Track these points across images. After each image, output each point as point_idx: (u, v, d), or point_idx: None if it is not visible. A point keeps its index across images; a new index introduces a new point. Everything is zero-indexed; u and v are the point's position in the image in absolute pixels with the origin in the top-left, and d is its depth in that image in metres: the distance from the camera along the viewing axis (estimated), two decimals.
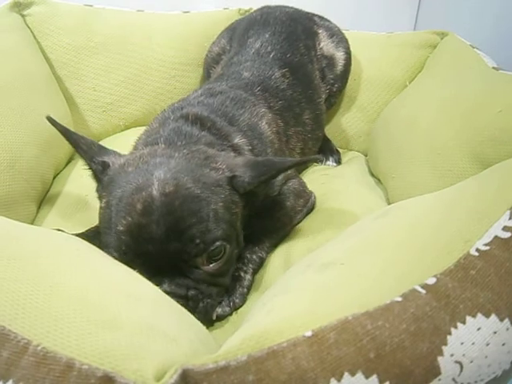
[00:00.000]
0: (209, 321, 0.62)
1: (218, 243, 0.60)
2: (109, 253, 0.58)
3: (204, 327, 0.51)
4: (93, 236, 0.69)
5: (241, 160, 0.67)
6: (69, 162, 0.97)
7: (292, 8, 1.07)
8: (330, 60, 1.04)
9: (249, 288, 0.67)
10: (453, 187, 0.58)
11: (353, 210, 0.81)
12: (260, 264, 0.71)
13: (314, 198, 0.84)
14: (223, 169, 0.64)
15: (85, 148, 0.67)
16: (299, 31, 1.00)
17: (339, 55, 1.04)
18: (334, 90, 1.08)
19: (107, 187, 0.62)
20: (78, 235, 0.63)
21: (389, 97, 1.11)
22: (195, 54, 1.16)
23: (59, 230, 0.64)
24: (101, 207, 0.63)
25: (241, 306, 0.65)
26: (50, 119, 0.68)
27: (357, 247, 0.53)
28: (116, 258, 0.57)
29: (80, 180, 0.88)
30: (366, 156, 1.14)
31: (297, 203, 0.79)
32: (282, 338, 0.34)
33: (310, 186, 0.86)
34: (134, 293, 0.44)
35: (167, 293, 0.56)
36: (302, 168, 1.00)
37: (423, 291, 0.38)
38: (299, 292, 0.44)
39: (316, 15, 1.08)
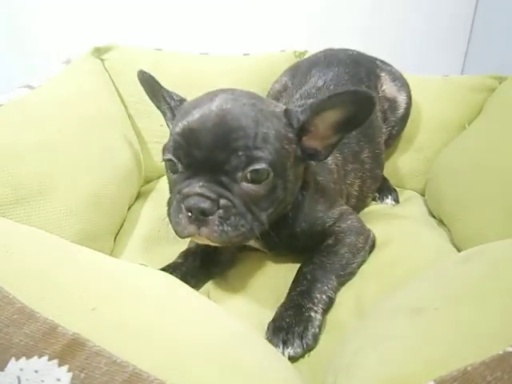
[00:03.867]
0: (230, 239, 0.63)
1: (261, 165, 0.62)
2: (165, 155, 0.66)
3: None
4: (173, 270, 0.72)
5: None
6: (137, 197, 1.02)
7: (355, 51, 1.10)
8: (392, 103, 1.06)
9: (320, 328, 0.67)
10: None
11: (420, 251, 0.81)
12: (330, 304, 0.71)
13: (373, 235, 0.85)
14: (281, 106, 0.70)
15: (164, 94, 0.79)
16: (362, 73, 1.03)
17: (401, 99, 1.07)
18: (394, 132, 1.10)
19: (179, 112, 0.71)
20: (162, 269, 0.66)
21: (446, 138, 1.12)
22: (256, 92, 1.20)
23: (143, 264, 0.67)
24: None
25: (313, 348, 0.65)
26: (142, 73, 0.81)
27: (447, 293, 0.53)
28: (170, 160, 0.65)
29: (151, 214, 0.92)
30: (422, 195, 1.15)
31: (358, 240, 0.80)
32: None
33: (373, 225, 0.86)
34: (241, 332, 0.46)
35: (197, 194, 0.61)
36: (361, 206, 1.01)
37: None
38: (404, 339, 0.44)
39: (378, 59, 1.11)
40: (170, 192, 0.70)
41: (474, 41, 1.50)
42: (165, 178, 1.04)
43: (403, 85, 1.08)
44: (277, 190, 0.66)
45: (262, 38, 1.45)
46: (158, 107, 0.82)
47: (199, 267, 0.77)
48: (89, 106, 0.87)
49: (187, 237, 0.65)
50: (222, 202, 0.62)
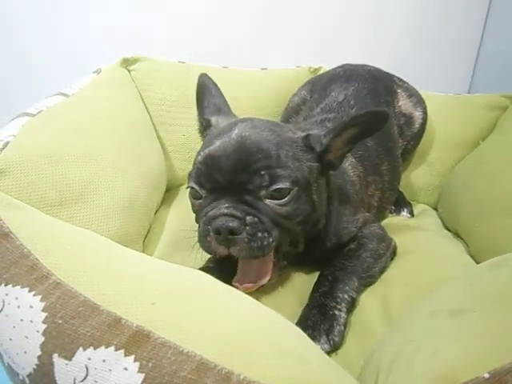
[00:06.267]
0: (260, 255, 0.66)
1: (285, 183, 0.66)
2: (189, 183, 0.70)
3: None
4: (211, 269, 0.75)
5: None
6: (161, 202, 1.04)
7: (372, 66, 1.14)
8: (409, 118, 1.10)
9: (345, 326, 0.68)
10: None
11: (442, 260, 0.84)
12: (352, 304, 0.73)
13: (395, 243, 0.87)
14: (300, 132, 0.74)
15: (205, 105, 0.85)
16: (380, 88, 1.07)
17: (417, 115, 1.10)
18: (410, 146, 1.13)
19: (204, 143, 0.75)
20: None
21: (458, 154, 1.16)
22: (272, 106, 1.24)
23: None
24: None
25: (340, 346, 0.66)
26: (204, 76, 0.87)
27: (483, 296, 0.55)
28: (193, 188, 0.69)
29: (176, 220, 0.94)
30: (434, 209, 1.18)
31: (379, 246, 0.82)
32: (467, 377, 0.37)
33: (394, 235, 0.89)
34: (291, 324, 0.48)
35: (223, 215, 0.63)
36: (380, 217, 1.04)
37: None
38: (452, 337, 0.46)
39: (395, 76, 1.15)
40: (196, 220, 0.74)
41: (481, 58, 1.55)
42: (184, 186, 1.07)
43: (419, 101, 1.12)
44: (303, 205, 0.69)
45: (273, 54, 1.50)
46: (198, 114, 0.87)
47: (228, 272, 0.79)
48: (120, 115, 0.90)
49: (218, 255, 0.68)
50: (249, 218, 0.64)
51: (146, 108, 1.06)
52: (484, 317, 0.49)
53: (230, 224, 0.63)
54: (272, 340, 0.42)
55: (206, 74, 0.88)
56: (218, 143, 0.68)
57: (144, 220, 0.83)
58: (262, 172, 0.64)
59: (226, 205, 0.65)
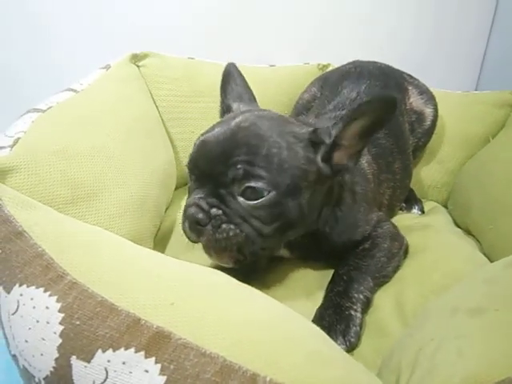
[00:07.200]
0: (227, 247, 0.66)
1: (258, 183, 0.63)
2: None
3: None
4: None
5: None
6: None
7: (383, 63, 1.13)
8: (420, 115, 1.09)
9: (361, 326, 0.68)
10: None
11: (455, 258, 0.83)
12: (367, 304, 0.72)
13: (407, 242, 0.86)
14: (307, 127, 0.71)
15: (228, 91, 0.84)
16: (392, 85, 1.06)
17: (428, 111, 1.10)
18: (420, 143, 1.12)
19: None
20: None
21: (468, 151, 1.16)
22: (281, 103, 1.23)
23: None
24: None
25: (356, 346, 0.66)
26: (230, 65, 0.86)
27: (503, 294, 0.54)
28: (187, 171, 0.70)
29: None
30: (444, 206, 1.17)
31: (393, 245, 0.82)
32: (496, 378, 0.36)
33: (405, 233, 0.88)
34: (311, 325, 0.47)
35: (194, 205, 0.64)
36: (389, 215, 1.02)
37: None
38: (475, 336, 0.45)
39: (405, 73, 1.14)
40: None
41: (489, 54, 1.54)
42: None
43: (430, 98, 1.11)
44: (283, 209, 0.66)
45: (280, 52, 1.48)
46: (220, 100, 0.86)
47: (239, 273, 0.77)
48: (130, 112, 0.89)
49: (194, 242, 0.69)
50: (213, 211, 0.64)
51: (155, 104, 1.05)
52: (505, 315, 0.48)
53: (196, 215, 0.64)
54: (297, 341, 0.41)
55: (233, 63, 0.87)
56: (215, 130, 0.68)
57: (155, 218, 0.82)
58: (239, 166, 0.63)
59: (199, 195, 0.65)
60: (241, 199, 0.64)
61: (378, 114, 0.65)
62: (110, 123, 0.78)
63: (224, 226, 0.64)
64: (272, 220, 0.66)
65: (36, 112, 0.69)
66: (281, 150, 0.64)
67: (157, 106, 1.05)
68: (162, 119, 1.06)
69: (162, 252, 0.83)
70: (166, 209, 0.96)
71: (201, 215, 0.63)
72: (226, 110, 0.82)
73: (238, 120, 0.68)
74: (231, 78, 0.85)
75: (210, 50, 1.28)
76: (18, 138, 0.61)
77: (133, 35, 1.34)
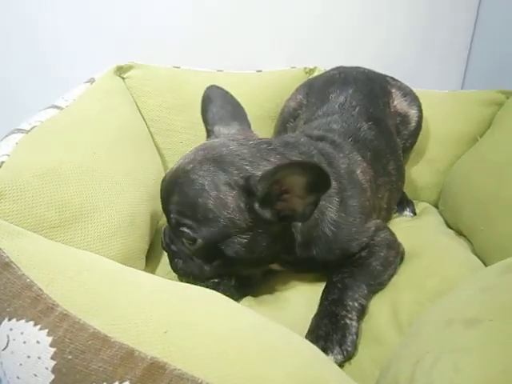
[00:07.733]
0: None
1: (189, 231, 0.68)
2: None
3: None
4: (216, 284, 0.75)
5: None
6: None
7: (366, 68, 1.13)
8: (404, 117, 1.08)
9: (357, 335, 0.68)
10: None
11: (449, 262, 0.84)
12: (362, 311, 0.72)
13: (403, 249, 0.86)
14: (250, 171, 0.68)
15: (209, 116, 0.86)
16: (377, 89, 1.06)
17: (413, 113, 1.09)
18: (407, 145, 1.12)
19: None
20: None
21: (457, 151, 1.16)
22: (269, 108, 1.22)
23: None
24: None
25: (353, 355, 0.66)
26: (209, 88, 0.88)
27: (497, 303, 0.54)
28: None
29: None
30: (435, 206, 1.17)
31: (389, 254, 0.82)
32: None
33: (398, 237, 0.88)
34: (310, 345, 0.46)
35: (163, 232, 0.77)
36: (388, 218, 1.03)
37: None
38: (471, 349, 0.45)
39: (387, 76, 1.13)
40: None
41: (473, 54, 1.55)
42: None
43: (413, 99, 1.10)
44: (219, 252, 0.69)
45: (267, 56, 1.47)
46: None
47: (234, 287, 0.77)
48: (116, 126, 0.88)
49: None
50: (172, 247, 0.75)
51: (142, 116, 1.04)
52: (501, 326, 0.48)
53: (164, 245, 0.78)
54: (289, 362, 0.41)
55: (212, 86, 0.89)
56: (175, 166, 0.73)
57: (146, 235, 0.81)
58: (172, 215, 0.70)
59: (167, 233, 0.77)
60: (184, 241, 0.71)
61: (307, 177, 0.61)
62: (95, 141, 0.77)
63: (176, 260, 0.75)
64: (210, 260, 0.72)
65: (20, 133, 0.68)
66: (208, 200, 0.66)
67: (144, 118, 1.04)
68: (150, 131, 1.05)
69: (155, 267, 0.83)
70: (157, 222, 0.95)
71: (165, 245, 0.77)
72: (209, 134, 0.84)
73: (184, 161, 0.71)
74: (210, 102, 0.87)
75: (197, 58, 1.27)
76: (2, 162, 0.60)
77: (119, 44, 1.31)
